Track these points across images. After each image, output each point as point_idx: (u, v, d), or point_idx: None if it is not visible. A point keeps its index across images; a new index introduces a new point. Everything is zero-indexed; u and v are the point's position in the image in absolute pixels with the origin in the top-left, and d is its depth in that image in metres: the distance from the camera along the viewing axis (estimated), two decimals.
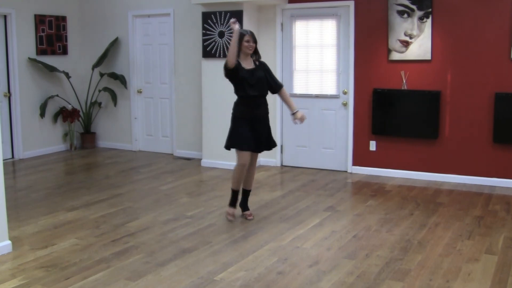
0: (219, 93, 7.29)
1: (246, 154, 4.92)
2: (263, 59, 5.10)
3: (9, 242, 4.32)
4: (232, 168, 7.20)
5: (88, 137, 8.95)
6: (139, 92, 8.64)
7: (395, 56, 6.63)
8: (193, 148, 8.15)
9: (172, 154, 8.39)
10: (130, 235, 4.68)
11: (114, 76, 8.57)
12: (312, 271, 3.89)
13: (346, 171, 7.12)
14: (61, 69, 8.53)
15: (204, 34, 7.36)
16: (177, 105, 8.26)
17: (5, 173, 5.42)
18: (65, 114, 8.58)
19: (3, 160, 5.03)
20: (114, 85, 8.73)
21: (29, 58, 8.17)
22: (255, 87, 4.86)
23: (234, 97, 5.01)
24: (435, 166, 6.61)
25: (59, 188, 6.40)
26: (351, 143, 7.05)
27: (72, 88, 8.74)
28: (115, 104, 8.70)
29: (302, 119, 4.98)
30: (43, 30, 8.33)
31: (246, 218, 5.10)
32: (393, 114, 6.70)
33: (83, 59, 8.94)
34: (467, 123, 6.40)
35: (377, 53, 6.75)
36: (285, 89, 5.18)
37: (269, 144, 5.08)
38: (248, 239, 4.57)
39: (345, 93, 7.04)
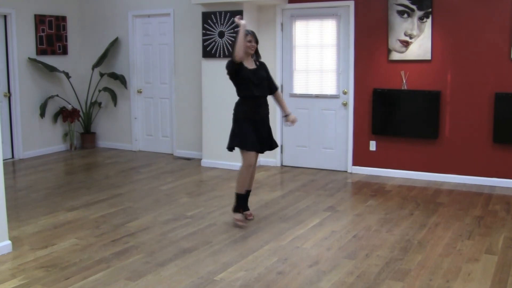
0: (219, 93, 7.29)
1: (252, 155, 4.88)
2: (263, 59, 5.09)
3: (9, 242, 4.32)
4: (232, 168, 7.26)
5: (88, 137, 8.95)
6: (139, 92, 8.64)
7: (395, 56, 6.63)
8: (193, 148, 8.15)
9: (172, 154, 8.39)
10: (130, 235, 4.68)
11: (114, 76, 8.58)
12: (312, 271, 3.89)
13: (346, 171, 7.12)
14: (61, 69, 8.53)
15: (204, 34, 7.36)
16: (177, 105, 8.26)
17: (5, 173, 5.42)
18: (65, 114, 8.58)
19: (3, 160, 5.03)
20: (114, 85, 8.73)
21: (29, 58, 8.17)
22: (259, 87, 4.85)
23: (234, 97, 4.99)
24: (435, 166, 6.61)
25: (59, 188, 6.40)
26: (351, 143, 7.05)
27: (72, 88, 8.74)
28: (115, 104, 8.70)
29: (294, 122, 5.08)
30: (43, 30, 8.33)
31: (246, 218, 5.10)
32: (393, 114, 6.70)
33: (83, 59, 8.94)
34: (467, 123, 6.41)
35: (377, 53, 6.75)
36: (285, 89, 5.17)
37: (271, 144, 5.07)
38: (248, 239, 4.57)
39: (345, 93, 7.04)
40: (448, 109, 6.47)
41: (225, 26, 7.16)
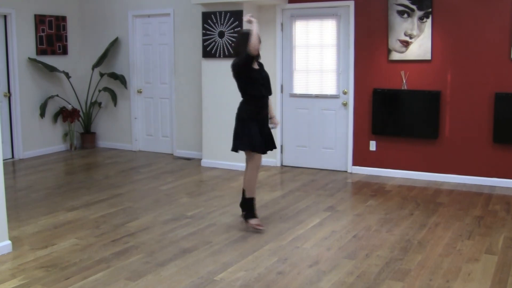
0: (219, 93, 7.29)
1: (260, 156, 4.86)
2: (263, 58, 5.09)
3: (9, 242, 4.32)
4: (232, 168, 7.26)
5: (88, 137, 8.95)
6: (139, 92, 8.64)
7: (395, 56, 6.63)
8: (193, 148, 8.15)
9: (172, 154, 8.39)
10: (130, 235, 4.68)
11: (114, 76, 8.57)
12: (312, 271, 3.89)
13: (346, 171, 7.12)
14: (61, 69, 8.53)
15: (204, 34, 7.36)
16: (177, 105, 8.26)
17: (5, 173, 5.42)
18: (65, 114, 8.58)
19: (3, 160, 5.03)
20: (114, 85, 8.73)
21: (29, 58, 8.17)
22: (265, 86, 4.83)
23: (234, 97, 4.98)
24: (435, 166, 6.61)
25: (59, 188, 6.40)
26: (351, 143, 7.05)
27: (72, 88, 8.74)
28: (115, 104, 8.70)
29: (276, 124, 5.11)
30: (43, 30, 8.33)
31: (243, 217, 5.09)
32: (393, 114, 6.70)
33: (83, 59, 8.94)
34: (467, 123, 6.40)
35: (377, 53, 6.75)
36: (285, 90, 5.17)
37: (272, 144, 5.06)
38: (248, 239, 4.57)
39: (345, 93, 7.04)
40: (448, 109, 6.47)
41: (225, 26, 7.16)
